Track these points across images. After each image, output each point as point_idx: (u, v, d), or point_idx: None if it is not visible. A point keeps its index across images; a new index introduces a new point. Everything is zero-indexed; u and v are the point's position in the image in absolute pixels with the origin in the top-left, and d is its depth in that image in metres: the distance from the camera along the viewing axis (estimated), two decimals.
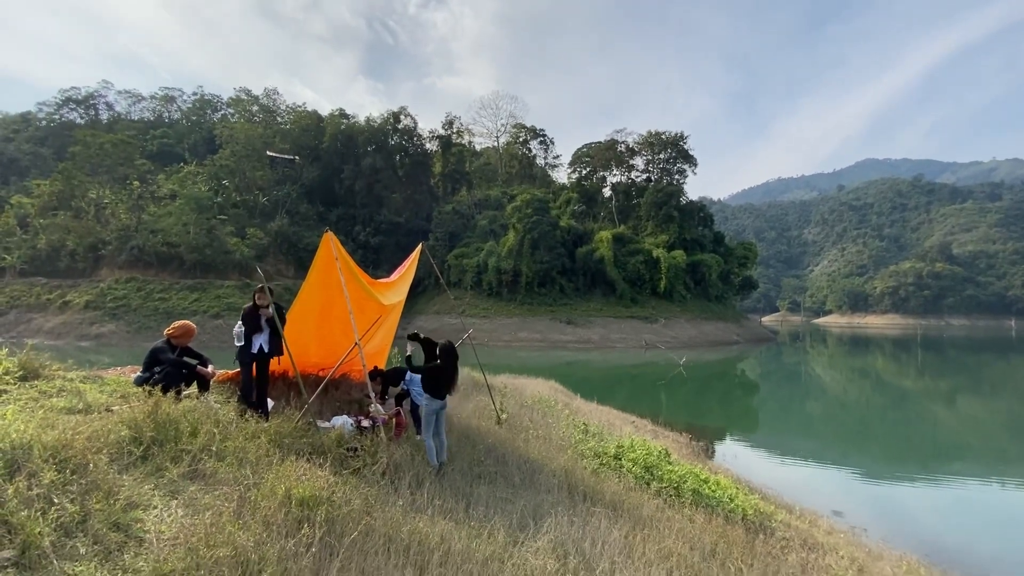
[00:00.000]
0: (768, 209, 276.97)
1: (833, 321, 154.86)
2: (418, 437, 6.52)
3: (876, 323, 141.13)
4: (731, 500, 7.36)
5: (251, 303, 6.10)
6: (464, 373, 12.22)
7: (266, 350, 6.07)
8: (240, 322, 6.01)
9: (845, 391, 30.19)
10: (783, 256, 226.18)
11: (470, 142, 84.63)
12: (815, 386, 31.78)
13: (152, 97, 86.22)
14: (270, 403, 6.35)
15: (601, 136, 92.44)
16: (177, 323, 6.08)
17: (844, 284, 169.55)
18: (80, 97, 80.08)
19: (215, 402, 6.15)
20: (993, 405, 25.35)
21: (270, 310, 6.00)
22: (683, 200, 66.71)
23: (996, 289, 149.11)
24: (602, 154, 72.31)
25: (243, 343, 6.00)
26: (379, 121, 72.64)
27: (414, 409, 7.34)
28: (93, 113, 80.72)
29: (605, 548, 4.24)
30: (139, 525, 3.12)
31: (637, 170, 72.65)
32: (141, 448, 3.97)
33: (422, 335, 6.96)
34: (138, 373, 6.05)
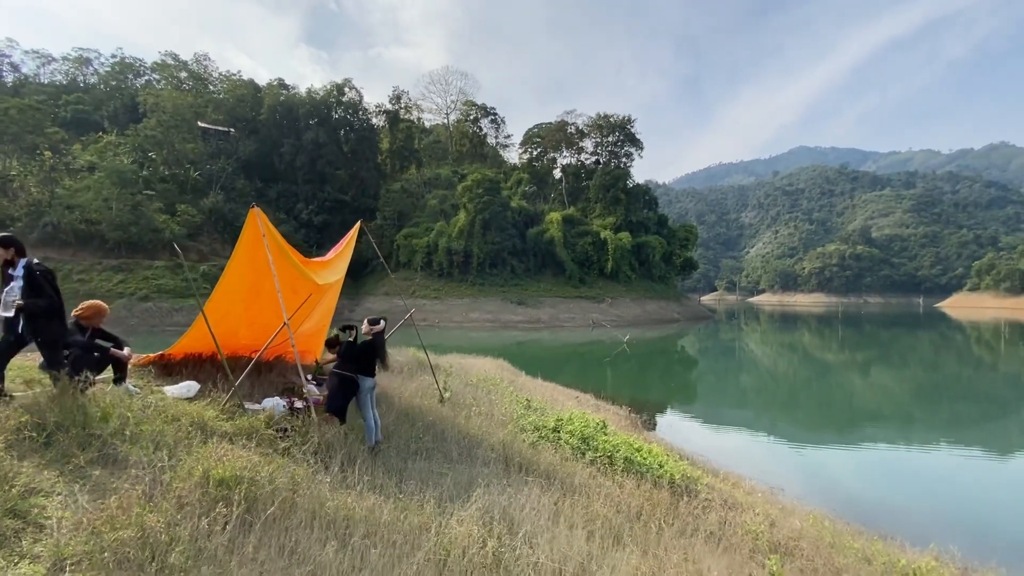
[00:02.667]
0: (709, 193, 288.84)
1: (766, 300, 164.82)
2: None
3: (804, 302, 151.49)
4: (660, 467, 7.75)
5: None
6: (408, 353, 12.14)
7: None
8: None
9: (775, 365, 32.37)
10: (722, 238, 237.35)
11: (419, 118, 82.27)
12: (748, 360, 33.86)
13: (65, 58, 77.40)
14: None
15: (552, 116, 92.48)
16: (85, 303, 5.66)
17: (776, 265, 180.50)
18: None
19: (134, 386, 5.84)
20: (901, 374, 28.02)
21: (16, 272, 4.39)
22: (630, 183, 68.39)
23: (907, 270, 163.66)
24: (552, 135, 72.47)
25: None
26: (322, 93, 68.99)
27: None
28: None
29: (533, 514, 4.40)
30: (39, 511, 2.97)
31: (586, 152, 73.48)
32: (44, 434, 3.73)
33: (352, 334, 6.48)
34: None
